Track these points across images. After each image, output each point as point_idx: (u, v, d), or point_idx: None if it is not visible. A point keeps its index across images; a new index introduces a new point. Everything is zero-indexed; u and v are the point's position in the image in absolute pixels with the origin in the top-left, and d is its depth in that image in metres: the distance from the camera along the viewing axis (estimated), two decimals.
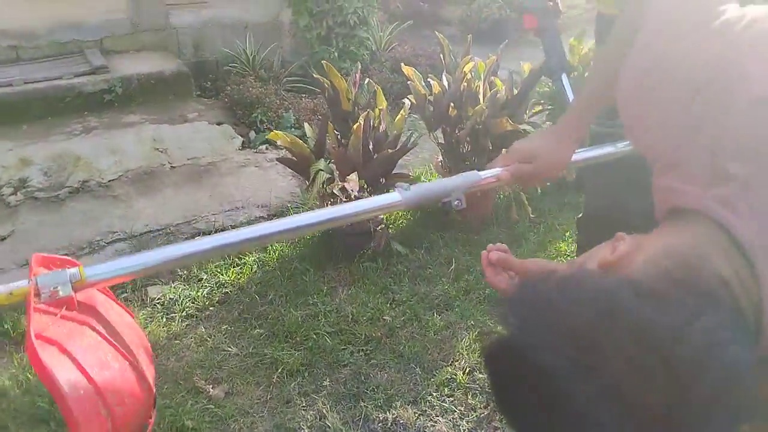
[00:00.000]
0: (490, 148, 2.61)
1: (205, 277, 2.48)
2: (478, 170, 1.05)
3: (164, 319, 2.24)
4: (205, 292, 2.40)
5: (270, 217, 2.93)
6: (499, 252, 0.90)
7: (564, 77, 1.40)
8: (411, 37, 5.23)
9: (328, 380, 1.99)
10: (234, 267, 2.54)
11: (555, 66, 1.42)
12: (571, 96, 1.36)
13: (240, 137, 3.66)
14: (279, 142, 2.39)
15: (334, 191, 2.28)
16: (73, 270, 0.82)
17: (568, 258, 2.64)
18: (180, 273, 2.49)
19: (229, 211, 2.96)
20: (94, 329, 0.77)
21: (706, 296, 0.61)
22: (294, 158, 2.46)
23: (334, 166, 2.46)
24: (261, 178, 3.30)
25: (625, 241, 0.69)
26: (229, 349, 2.11)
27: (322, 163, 2.40)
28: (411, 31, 5.19)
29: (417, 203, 1.02)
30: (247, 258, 2.61)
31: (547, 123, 3.15)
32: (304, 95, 4.06)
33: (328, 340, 2.14)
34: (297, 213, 2.83)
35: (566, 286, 0.61)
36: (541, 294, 0.62)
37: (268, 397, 1.94)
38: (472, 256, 2.61)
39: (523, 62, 2.99)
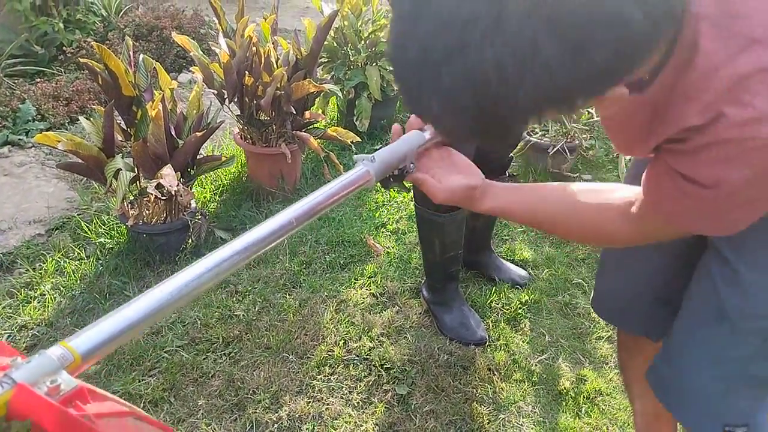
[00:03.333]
0: (294, 112, 2.52)
1: None
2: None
3: None
4: (3, 339, 1.97)
5: (51, 232, 2.48)
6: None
7: None
8: None
9: (201, 398, 1.81)
10: (28, 303, 2.12)
11: None
12: None
13: None
14: (60, 146, 1.99)
15: (148, 190, 2.00)
16: (58, 350, 0.59)
17: (402, 198, 2.73)
18: None
19: None
20: (135, 415, 0.57)
21: None
22: (81, 161, 2.09)
23: (132, 162, 2.15)
24: (18, 188, 2.76)
25: None
26: None
27: (120, 162, 2.08)
28: None
29: (383, 174, 0.94)
30: (39, 288, 2.19)
31: (327, 76, 3.14)
32: (38, 79, 3.43)
33: (184, 354, 1.93)
34: (87, 222, 2.45)
35: None
36: None
37: None
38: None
39: (302, 18, 2.90)
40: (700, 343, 1.02)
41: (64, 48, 3.72)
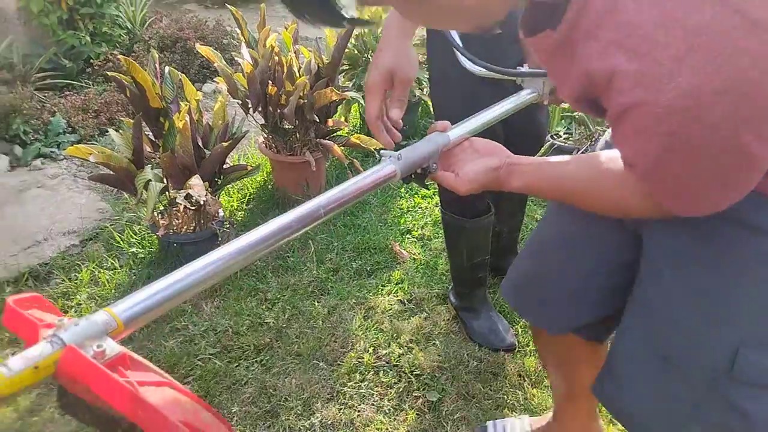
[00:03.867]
0: (317, 120, 2.54)
1: None
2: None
3: None
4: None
5: (85, 243, 2.54)
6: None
7: None
8: (163, 9, 4.79)
9: (235, 405, 1.84)
10: (65, 313, 2.17)
11: None
12: (459, 41, 1.34)
13: (3, 155, 3.06)
14: (92, 159, 2.04)
15: (177, 200, 2.04)
16: (103, 316, 0.60)
17: (427, 203, 2.74)
18: None
19: (29, 248, 2.48)
20: (172, 386, 0.59)
21: None
22: (112, 173, 2.14)
23: (161, 173, 2.19)
24: (52, 200, 2.82)
25: None
26: None
27: (149, 173, 2.12)
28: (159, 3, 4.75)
29: (407, 172, 0.96)
30: (76, 298, 2.24)
31: (349, 83, 3.17)
32: (67, 92, 3.50)
33: (217, 362, 1.96)
34: (120, 232, 2.50)
35: None
36: None
37: None
38: (326, 233, 2.57)
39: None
40: (647, 380, 0.96)
41: (91, 61, 3.80)
